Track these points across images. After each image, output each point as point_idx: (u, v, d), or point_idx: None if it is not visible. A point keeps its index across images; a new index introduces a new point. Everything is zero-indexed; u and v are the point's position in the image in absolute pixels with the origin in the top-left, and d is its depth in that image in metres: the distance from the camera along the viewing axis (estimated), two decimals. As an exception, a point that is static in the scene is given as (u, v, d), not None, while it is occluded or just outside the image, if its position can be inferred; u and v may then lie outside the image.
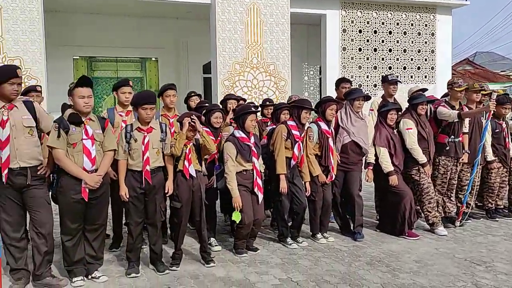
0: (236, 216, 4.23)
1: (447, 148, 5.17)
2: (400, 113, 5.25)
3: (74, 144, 3.52)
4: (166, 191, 3.93)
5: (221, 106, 5.02)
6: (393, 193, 4.93)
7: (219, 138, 4.55)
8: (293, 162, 4.57)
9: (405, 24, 12.99)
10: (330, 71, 12.45)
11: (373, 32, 12.70)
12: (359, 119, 4.91)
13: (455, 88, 5.21)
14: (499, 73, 25.95)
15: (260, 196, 4.39)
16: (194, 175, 4.00)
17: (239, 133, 4.35)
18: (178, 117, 4.32)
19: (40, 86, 5.05)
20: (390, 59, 12.97)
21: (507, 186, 5.83)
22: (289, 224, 4.85)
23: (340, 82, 5.68)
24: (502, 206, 5.85)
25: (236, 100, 5.43)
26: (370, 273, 3.94)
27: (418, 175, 5.06)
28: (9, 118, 3.46)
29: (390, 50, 12.93)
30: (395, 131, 5.08)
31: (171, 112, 4.76)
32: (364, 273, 3.94)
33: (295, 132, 4.52)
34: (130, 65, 12.96)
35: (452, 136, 5.19)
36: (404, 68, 13.15)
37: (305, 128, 4.69)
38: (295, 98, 5.42)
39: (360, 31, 12.58)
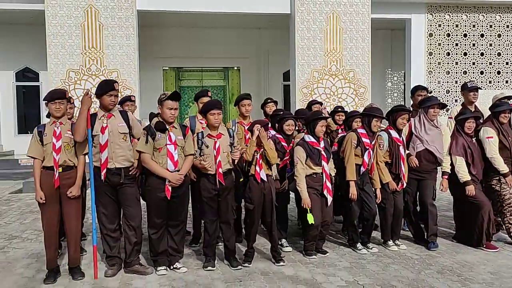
0: (310, 218, 4.45)
1: (531, 157, 4.94)
2: (481, 121, 5.12)
3: (159, 149, 4.05)
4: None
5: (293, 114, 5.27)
6: (471, 203, 4.82)
7: (291, 145, 4.81)
8: (363, 169, 4.70)
9: (499, 26, 12.29)
10: (415, 76, 12.17)
11: (462, 36, 12.18)
12: (433, 128, 4.90)
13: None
14: None
15: (329, 199, 4.58)
16: (265, 179, 4.32)
17: (309, 138, 4.59)
18: (250, 125, 4.65)
19: (134, 96, 5.72)
20: (482, 63, 12.35)
21: None
22: (360, 230, 4.96)
23: (416, 89, 5.67)
24: None
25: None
26: (439, 281, 3.94)
27: (499, 185, 4.90)
28: (108, 125, 4.06)
29: (482, 54, 12.30)
30: (473, 139, 4.97)
31: (246, 120, 5.13)
32: (433, 281, 3.95)
33: (365, 140, 4.66)
34: (214, 75, 13.78)
35: (538, 145, 4.95)
36: (498, 72, 12.43)
37: (376, 136, 4.78)
38: (374, 106, 5.52)
39: (448, 35, 12.17)
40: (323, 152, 4.58)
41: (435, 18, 12.10)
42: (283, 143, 4.82)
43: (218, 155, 4.20)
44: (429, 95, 5.44)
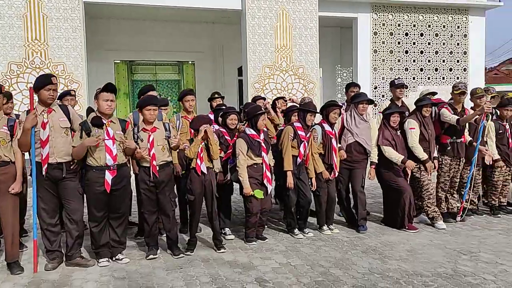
0: (258, 194, 4.78)
1: (449, 148, 5.52)
2: (406, 114, 5.62)
3: (97, 144, 4.16)
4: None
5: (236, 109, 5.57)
6: (394, 189, 5.33)
7: (234, 138, 5.09)
8: (299, 160, 5.08)
9: (437, 26, 13.10)
10: (361, 73, 12.80)
11: (404, 35, 12.90)
12: (363, 121, 5.35)
13: (455, 91, 5.54)
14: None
15: (269, 187, 4.93)
16: (205, 172, 4.59)
17: (249, 131, 4.91)
18: (191, 120, 4.88)
19: (74, 91, 5.75)
20: (421, 60, 13.13)
21: (510, 184, 6.04)
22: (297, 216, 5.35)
23: (349, 86, 6.14)
24: (505, 203, 6.09)
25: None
26: (362, 259, 4.39)
27: (419, 172, 5.43)
28: (48, 120, 4.15)
29: (421, 52, 13.07)
30: (398, 132, 5.45)
31: (190, 115, 5.38)
32: (357, 259, 4.39)
33: (301, 133, 5.04)
34: (168, 69, 13.82)
35: (454, 137, 5.53)
36: (436, 69, 13.27)
37: (311, 129, 5.17)
38: (308, 100, 5.89)
39: (391, 34, 12.83)
40: (263, 144, 4.91)
41: (379, 18, 12.73)
42: (226, 137, 5.12)
43: (152, 148, 4.39)
44: (360, 91, 5.87)
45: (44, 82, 4.15)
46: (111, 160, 4.23)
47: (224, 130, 5.12)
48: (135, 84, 13.34)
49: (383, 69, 12.90)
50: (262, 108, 5.14)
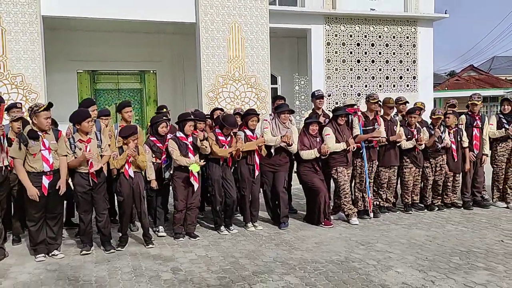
0: (194, 167, 5.30)
1: (361, 151, 6.16)
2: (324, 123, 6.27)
3: (34, 154, 4.67)
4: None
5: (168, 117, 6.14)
6: (311, 189, 5.96)
7: (166, 143, 5.64)
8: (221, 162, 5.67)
9: (387, 37, 13.92)
10: (315, 81, 13.52)
11: (356, 45, 13.67)
12: (285, 128, 5.97)
13: (370, 101, 6.20)
14: (503, 79, 26.28)
15: (196, 185, 5.47)
16: (133, 176, 5.12)
17: (179, 134, 5.51)
18: (120, 129, 5.42)
19: (21, 103, 6.19)
20: (372, 69, 13.91)
21: (420, 183, 6.73)
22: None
23: (275, 98, 6.83)
24: (417, 201, 6.77)
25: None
26: (272, 250, 4.98)
27: (336, 174, 6.06)
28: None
29: (373, 61, 13.87)
30: (318, 138, 6.07)
31: (128, 125, 5.90)
32: (267, 251, 4.98)
33: (221, 138, 5.63)
34: (130, 78, 14.26)
35: (366, 142, 6.17)
36: (387, 77, 14.07)
37: (233, 134, 5.77)
38: (238, 110, 6.46)
39: (343, 44, 13.58)
40: (190, 146, 5.48)
41: (332, 29, 13.48)
42: (158, 145, 5.66)
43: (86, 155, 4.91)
44: (282, 102, 6.47)
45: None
46: (48, 167, 4.74)
47: (155, 138, 5.68)
48: (98, 93, 13.76)
49: (336, 77, 13.64)
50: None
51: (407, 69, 14.27)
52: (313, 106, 6.78)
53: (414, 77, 14.36)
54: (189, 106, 11.20)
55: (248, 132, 5.83)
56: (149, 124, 6.00)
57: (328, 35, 13.47)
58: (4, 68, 9.36)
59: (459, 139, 6.75)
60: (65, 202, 5.62)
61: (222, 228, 5.77)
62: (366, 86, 13.95)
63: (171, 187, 5.79)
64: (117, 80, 14.15)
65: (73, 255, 5.02)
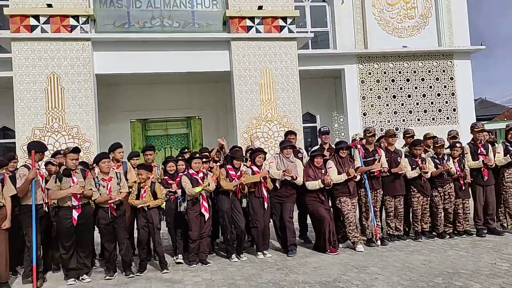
0: (197, 188, 6.01)
1: (363, 181, 6.51)
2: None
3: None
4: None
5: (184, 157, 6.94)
6: (317, 218, 6.37)
7: (177, 179, 6.41)
8: (231, 193, 6.31)
9: (422, 71, 14.13)
10: (352, 118, 13.98)
11: (390, 81, 14.00)
12: (289, 162, 6.52)
13: (367, 134, 6.61)
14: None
15: (206, 215, 6.13)
16: (146, 209, 5.91)
17: (190, 171, 6.23)
18: (137, 165, 6.29)
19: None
20: (409, 104, 14.09)
21: (428, 212, 6.85)
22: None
23: (286, 134, 7.39)
24: (427, 229, 6.87)
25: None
26: (270, 274, 5.45)
27: (340, 204, 6.45)
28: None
29: (409, 96, 14.06)
30: (322, 170, 6.54)
31: (151, 166, 6.79)
32: (267, 274, 5.46)
33: (231, 172, 6.29)
34: (177, 124, 15.54)
35: (368, 172, 6.53)
36: (425, 111, 14.13)
37: (241, 169, 6.41)
38: (251, 147, 7.11)
39: (378, 81, 13.98)
40: (200, 181, 6.18)
41: (365, 67, 13.97)
42: (169, 181, 6.47)
43: (110, 193, 5.78)
44: (292, 137, 7.04)
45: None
46: (76, 202, 5.65)
47: (167, 177, 6.51)
48: (149, 139, 15.11)
49: (372, 113, 13.97)
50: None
51: (446, 102, 14.27)
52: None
53: (454, 109, 14.29)
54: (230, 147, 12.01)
55: (255, 168, 6.45)
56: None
57: (362, 73, 13.95)
58: (63, 121, 10.83)
59: (463, 167, 6.88)
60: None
61: (233, 256, 6.32)
62: (403, 120, 14.10)
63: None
64: (166, 127, 15.47)
65: (98, 280, 5.81)
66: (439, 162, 6.88)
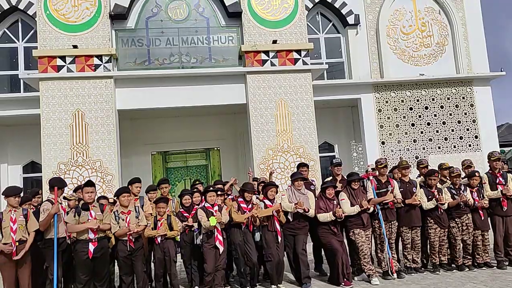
0: (212, 220, 6.10)
1: (376, 212, 6.54)
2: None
3: (84, 223, 5.86)
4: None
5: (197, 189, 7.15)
6: (330, 250, 6.40)
7: (193, 212, 6.60)
8: (243, 226, 6.43)
9: (441, 99, 14.12)
10: (370, 147, 13.99)
11: (408, 109, 14.02)
12: (300, 194, 6.64)
13: (378, 166, 6.68)
14: None
15: (221, 249, 6.26)
16: (160, 241, 6.10)
17: (206, 204, 6.42)
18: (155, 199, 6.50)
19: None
20: (429, 132, 14.02)
21: (446, 244, 6.78)
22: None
23: (299, 166, 7.51)
24: (445, 261, 6.78)
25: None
26: (279, 305, 5.46)
27: (353, 236, 6.48)
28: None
29: (428, 124, 14.01)
30: (334, 201, 6.62)
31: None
32: (274, 304, 5.48)
33: (243, 205, 6.44)
34: (196, 155, 15.86)
35: (382, 204, 6.56)
36: (446, 139, 14.02)
37: (252, 201, 6.56)
38: (263, 179, 7.26)
39: (395, 109, 14.03)
40: (215, 214, 6.35)
41: (382, 96, 14.07)
42: (184, 214, 6.66)
43: (128, 226, 6.00)
44: (304, 169, 7.17)
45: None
46: (92, 235, 5.88)
47: (183, 209, 6.70)
48: (169, 171, 15.44)
49: (391, 142, 13.96)
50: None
51: (467, 129, 14.14)
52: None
53: (476, 137, 14.15)
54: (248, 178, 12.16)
55: (267, 202, 6.59)
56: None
57: (379, 102, 14.04)
58: (87, 155, 11.26)
59: (481, 197, 6.84)
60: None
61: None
62: (424, 148, 14.03)
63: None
64: (186, 158, 15.80)
65: (118, 311, 5.97)
66: (455, 193, 6.86)
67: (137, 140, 14.54)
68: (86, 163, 11.27)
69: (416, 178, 7.35)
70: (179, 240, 6.62)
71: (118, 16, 11.68)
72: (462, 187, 6.84)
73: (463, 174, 7.28)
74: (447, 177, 7.21)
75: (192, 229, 6.59)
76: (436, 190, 6.79)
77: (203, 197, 6.73)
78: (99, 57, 11.44)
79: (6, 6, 12.81)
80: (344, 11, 14.10)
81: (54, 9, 11.31)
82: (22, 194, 6.19)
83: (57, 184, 6.14)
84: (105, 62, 11.43)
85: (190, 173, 15.45)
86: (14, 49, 13.26)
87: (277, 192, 6.69)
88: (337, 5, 14.09)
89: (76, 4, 11.42)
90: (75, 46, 11.22)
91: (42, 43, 11.25)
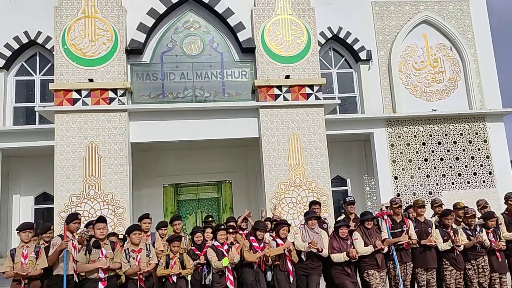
0: (224, 261, 6.04)
1: (390, 253, 6.43)
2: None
3: (94, 261, 5.85)
4: None
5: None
6: (343, 292, 6.27)
7: (204, 250, 6.55)
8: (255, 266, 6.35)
9: (454, 134, 14.06)
10: (382, 181, 13.90)
11: (421, 144, 13.96)
12: (314, 233, 6.57)
13: (393, 206, 6.61)
14: None
15: None
16: (175, 281, 6.07)
17: (216, 243, 6.37)
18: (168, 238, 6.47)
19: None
20: (442, 167, 13.91)
21: (463, 286, 6.60)
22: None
23: (311, 204, 7.45)
24: (463, 304, 6.61)
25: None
26: None
27: (368, 277, 6.36)
28: None
29: (441, 159, 13.91)
30: (348, 241, 6.53)
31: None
32: None
33: (255, 244, 6.38)
34: (208, 188, 15.86)
35: (396, 244, 6.45)
36: (459, 174, 13.88)
37: (264, 239, 6.49)
38: (275, 217, 7.23)
39: (408, 144, 13.99)
40: (225, 253, 6.29)
41: (394, 131, 14.06)
42: (196, 252, 6.61)
43: (139, 265, 5.97)
44: (317, 207, 7.12)
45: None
46: (102, 274, 5.84)
47: (194, 248, 6.66)
48: (180, 204, 15.43)
49: (404, 177, 13.85)
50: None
51: (481, 165, 14.01)
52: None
53: (490, 173, 13.99)
54: (260, 212, 12.09)
55: (279, 241, 6.53)
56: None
57: (391, 137, 14.02)
58: (99, 188, 11.32)
59: (498, 238, 6.70)
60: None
61: (266, 327, 6.28)
62: (437, 184, 13.88)
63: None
64: (197, 191, 15.80)
65: None
66: (471, 234, 6.74)
67: (149, 172, 14.62)
68: (98, 195, 11.31)
69: (431, 217, 7.24)
70: (189, 279, 6.54)
71: (134, 51, 11.96)
72: (478, 228, 6.72)
73: (478, 215, 7.16)
74: (462, 217, 7.09)
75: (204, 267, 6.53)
76: (451, 231, 6.67)
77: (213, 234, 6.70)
78: (114, 90, 11.66)
79: (25, 40, 13.25)
80: (356, 46, 14.30)
81: (72, 43, 11.63)
82: (34, 227, 6.21)
83: (66, 219, 6.16)
84: (120, 96, 11.64)
85: (201, 206, 15.42)
86: (31, 82, 13.64)
87: (289, 231, 6.63)
88: (349, 41, 14.31)
89: (94, 39, 11.74)
90: (91, 80, 11.46)
91: (59, 76, 11.52)
